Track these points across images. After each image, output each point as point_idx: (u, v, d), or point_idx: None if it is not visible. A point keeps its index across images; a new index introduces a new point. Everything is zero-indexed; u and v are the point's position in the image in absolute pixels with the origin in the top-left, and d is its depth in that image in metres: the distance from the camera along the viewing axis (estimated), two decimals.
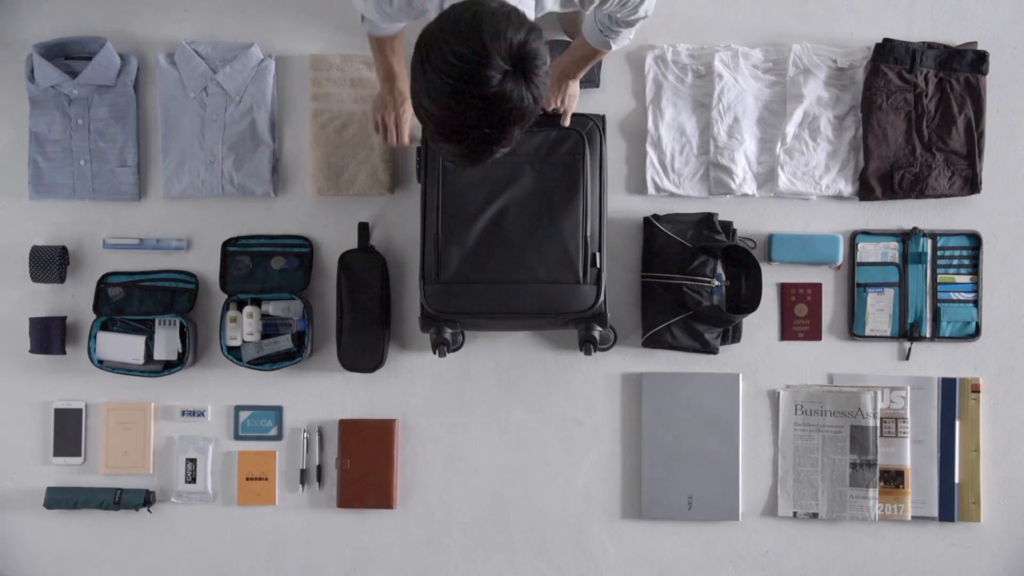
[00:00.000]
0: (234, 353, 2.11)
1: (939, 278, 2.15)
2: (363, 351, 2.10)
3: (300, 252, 2.15)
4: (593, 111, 2.03)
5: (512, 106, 1.32)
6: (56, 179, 2.15)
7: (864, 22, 2.17)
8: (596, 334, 1.96)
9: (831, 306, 2.16)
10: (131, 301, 2.14)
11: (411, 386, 2.14)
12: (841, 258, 2.13)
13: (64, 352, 2.14)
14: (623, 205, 2.16)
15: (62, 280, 2.14)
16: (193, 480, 2.14)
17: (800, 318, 2.16)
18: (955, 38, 2.16)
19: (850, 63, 2.14)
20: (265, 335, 2.12)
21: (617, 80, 2.18)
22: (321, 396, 2.16)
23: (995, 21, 2.17)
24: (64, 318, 2.14)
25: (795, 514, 2.14)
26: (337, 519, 2.16)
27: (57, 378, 2.16)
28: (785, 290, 2.16)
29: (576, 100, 2.02)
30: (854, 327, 2.15)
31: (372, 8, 1.66)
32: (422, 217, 1.95)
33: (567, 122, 1.97)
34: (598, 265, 1.92)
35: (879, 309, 2.14)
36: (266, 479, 2.15)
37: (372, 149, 2.11)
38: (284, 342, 2.10)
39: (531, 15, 1.56)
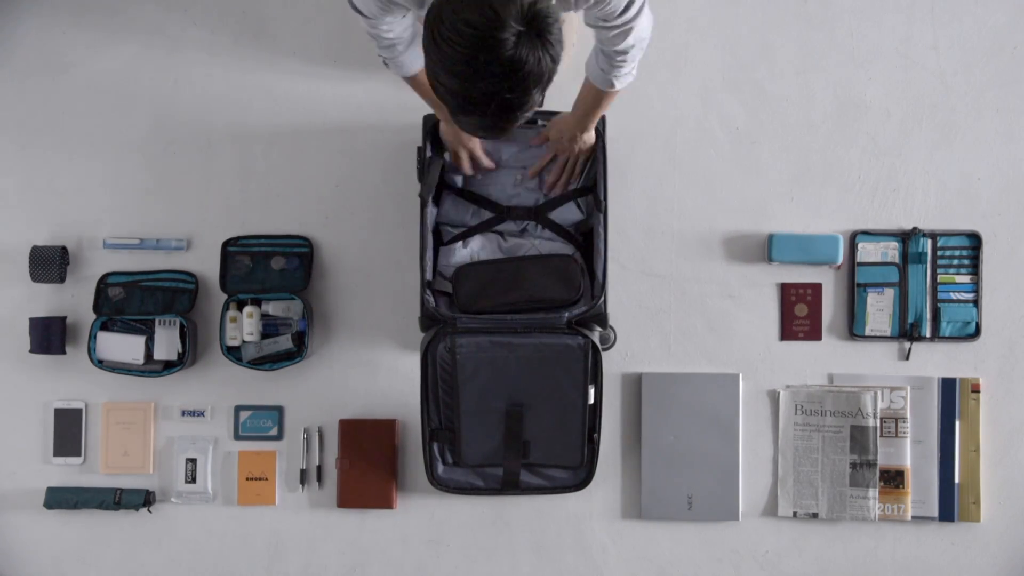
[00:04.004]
0: (234, 353, 2.11)
1: (939, 278, 2.15)
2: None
3: (300, 252, 2.15)
4: None
5: (530, 68, 1.32)
6: None
7: (864, 22, 2.17)
8: (596, 334, 1.96)
9: (831, 306, 2.16)
10: (131, 301, 2.14)
11: (411, 386, 2.14)
12: (841, 258, 2.13)
13: (64, 352, 2.14)
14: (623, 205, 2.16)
15: (62, 280, 2.14)
16: (193, 480, 2.14)
17: (800, 318, 2.16)
18: (955, 38, 2.17)
19: None
20: (265, 335, 2.12)
21: None
22: (321, 396, 2.16)
23: (995, 21, 2.17)
24: (64, 318, 2.14)
25: (795, 514, 2.14)
26: (337, 519, 2.16)
27: (57, 378, 2.16)
28: (785, 290, 2.16)
29: (587, 146, 1.96)
30: (854, 327, 2.15)
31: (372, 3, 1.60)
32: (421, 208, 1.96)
33: (532, 173, 2.00)
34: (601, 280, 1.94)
35: (879, 309, 2.14)
36: (266, 479, 2.15)
37: None
38: (284, 342, 2.10)
39: None
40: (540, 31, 1.32)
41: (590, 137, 1.96)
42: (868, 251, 2.15)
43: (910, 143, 2.17)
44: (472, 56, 1.30)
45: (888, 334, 2.14)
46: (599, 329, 1.96)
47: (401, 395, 2.16)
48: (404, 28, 1.70)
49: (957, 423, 2.13)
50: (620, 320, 2.15)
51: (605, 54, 1.71)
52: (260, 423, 2.16)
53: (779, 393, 2.15)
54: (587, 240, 2.03)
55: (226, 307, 2.11)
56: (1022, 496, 2.14)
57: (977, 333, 2.14)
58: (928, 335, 2.14)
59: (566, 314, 1.91)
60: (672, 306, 2.17)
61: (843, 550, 2.15)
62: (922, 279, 2.14)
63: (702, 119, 2.18)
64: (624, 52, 1.68)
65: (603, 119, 2.00)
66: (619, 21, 1.59)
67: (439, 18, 1.31)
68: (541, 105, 1.45)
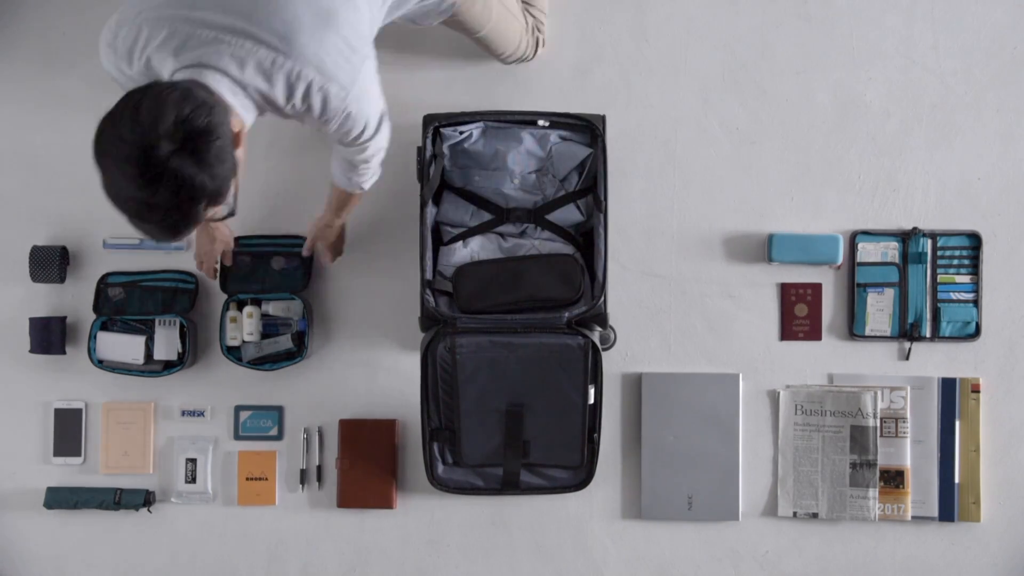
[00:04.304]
0: (234, 353, 2.11)
1: (939, 278, 2.15)
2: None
3: (300, 252, 2.15)
4: (594, 111, 2.03)
5: (185, 184, 1.33)
6: None
7: (864, 22, 2.17)
8: (596, 334, 1.96)
9: (831, 306, 2.16)
10: (131, 301, 2.14)
11: (411, 386, 2.13)
12: (841, 258, 2.13)
13: (64, 352, 2.14)
14: (623, 205, 2.16)
15: (62, 280, 2.14)
16: (193, 480, 2.14)
17: (800, 318, 2.16)
18: (955, 38, 2.17)
19: None
20: (265, 335, 2.12)
21: (616, 79, 2.18)
22: (321, 396, 2.16)
23: (995, 21, 2.17)
24: (64, 318, 2.14)
25: (795, 514, 2.14)
26: (337, 519, 2.16)
27: (57, 378, 2.16)
28: (785, 290, 2.16)
29: (336, 240, 2.07)
30: (854, 327, 2.15)
31: (111, 67, 1.59)
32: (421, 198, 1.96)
33: (306, 252, 2.10)
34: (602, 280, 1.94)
35: (879, 309, 2.14)
36: (266, 479, 2.15)
37: None
38: (284, 342, 2.10)
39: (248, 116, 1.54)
40: (195, 148, 1.33)
41: (342, 233, 2.08)
42: (868, 251, 2.15)
43: (910, 143, 2.17)
44: (129, 172, 1.32)
45: (888, 334, 2.15)
46: (599, 329, 1.96)
47: (401, 395, 2.16)
48: None
49: (957, 423, 2.13)
50: (620, 320, 2.15)
51: (349, 162, 1.76)
52: (260, 423, 2.16)
53: (779, 393, 2.15)
54: (587, 240, 2.03)
55: (226, 307, 2.11)
56: (1022, 496, 2.14)
57: (977, 333, 2.14)
58: (928, 335, 2.14)
59: (566, 314, 1.91)
60: (672, 306, 2.17)
61: (843, 550, 2.15)
62: (922, 279, 2.14)
63: (702, 119, 2.18)
64: (366, 161, 1.75)
65: (603, 119, 2.00)
66: (359, 142, 1.67)
67: (101, 132, 1.34)
68: (222, 214, 1.47)
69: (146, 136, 1.31)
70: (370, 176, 1.83)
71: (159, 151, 1.31)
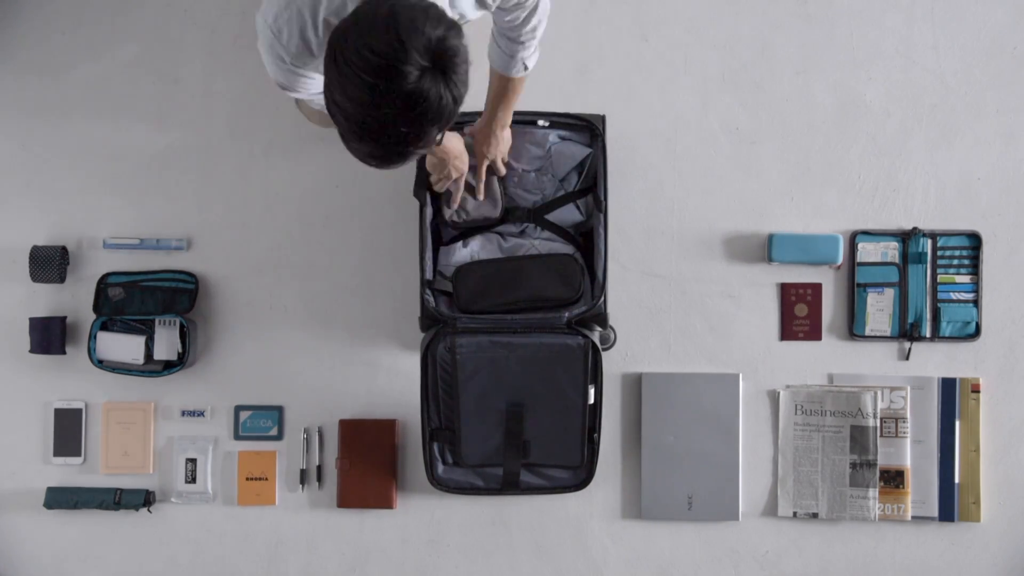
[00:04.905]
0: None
1: (939, 278, 2.15)
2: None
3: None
4: (594, 111, 2.03)
5: (430, 104, 1.28)
6: None
7: (864, 22, 2.17)
8: (596, 334, 1.96)
9: (831, 306, 2.16)
10: (131, 301, 2.14)
11: (411, 386, 2.13)
12: (841, 258, 2.13)
13: (64, 352, 2.14)
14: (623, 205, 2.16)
15: (62, 280, 2.14)
16: (193, 480, 2.14)
17: (800, 318, 2.16)
18: (955, 38, 2.17)
19: None
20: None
21: (616, 79, 2.18)
22: (321, 396, 2.16)
23: (995, 21, 2.17)
24: (64, 318, 2.14)
25: (795, 514, 2.14)
26: (337, 519, 2.16)
27: (57, 378, 2.16)
28: (785, 290, 2.16)
29: (507, 145, 1.96)
30: (854, 327, 2.15)
31: (286, 73, 1.54)
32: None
33: (502, 171, 1.97)
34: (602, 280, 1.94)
35: (879, 309, 2.14)
36: (266, 479, 2.15)
37: None
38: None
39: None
40: (445, 68, 1.28)
41: (508, 135, 1.95)
42: (868, 251, 2.15)
43: (910, 143, 2.17)
44: (373, 83, 1.25)
45: (888, 334, 2.15)
46: (599, 329, 1.96)
47: (401, 395, 2.16)
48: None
49: (957, 423, 2.13)
50: (620, 320, 2.15)
51: (511, 38, 1.71)
52: (260, 423, 2.16)
53: (779, 393, 2.15)
54: (587, 240, 2.04)
55: None
56: (1022, 496, 2.14)
57: (977, 333, 2.14)
58: (928, 335, 2.14)
59: (566, 314, 1.91)
60: (672, 306, 2.17)
61: (843, 550, 2.15)
62: (922, 279, 2.14)
63: (702, 119, 2.18)
64: (533, 29, 1.70)
65: (603, 119, 2.00)
66: (528, 3, 1.62)
67: (344, 39, 1.27)
68: (439, 143, 1.40)
69: (400, 48, 1.24)
70: (533, 50, 1.75)
71: (411, 66, 1.24)
